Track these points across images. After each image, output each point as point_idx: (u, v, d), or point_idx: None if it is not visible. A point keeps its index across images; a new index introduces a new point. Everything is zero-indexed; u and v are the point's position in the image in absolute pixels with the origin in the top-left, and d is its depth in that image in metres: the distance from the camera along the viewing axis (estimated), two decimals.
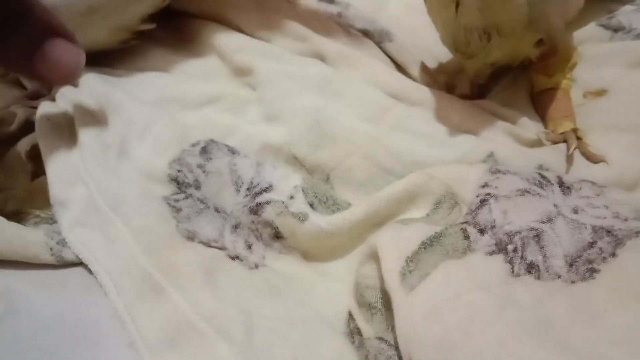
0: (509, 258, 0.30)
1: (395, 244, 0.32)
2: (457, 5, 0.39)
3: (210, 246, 0.35)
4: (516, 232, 0.31)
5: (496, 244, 0.31)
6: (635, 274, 0.28)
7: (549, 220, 0.31)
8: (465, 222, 0.33)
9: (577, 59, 0.46)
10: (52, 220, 0.39)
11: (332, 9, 0.51)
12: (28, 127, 0.43)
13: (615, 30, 0.52)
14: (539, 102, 0.45)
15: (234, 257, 0.35)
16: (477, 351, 0.27)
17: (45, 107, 0.41)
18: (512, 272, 0.30)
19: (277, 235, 0.37)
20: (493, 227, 0.32)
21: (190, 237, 0.35)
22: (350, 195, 0.40)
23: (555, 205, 0.32)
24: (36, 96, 0.45)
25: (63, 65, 0.28)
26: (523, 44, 0.41)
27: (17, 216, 0.40)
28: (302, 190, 0.37)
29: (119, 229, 0.35)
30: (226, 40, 0.48)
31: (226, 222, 0.37)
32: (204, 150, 0.39)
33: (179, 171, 0.38)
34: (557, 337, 0.26)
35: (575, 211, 0.32)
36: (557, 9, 0.41)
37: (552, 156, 0.41)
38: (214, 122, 0.42)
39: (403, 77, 0.46)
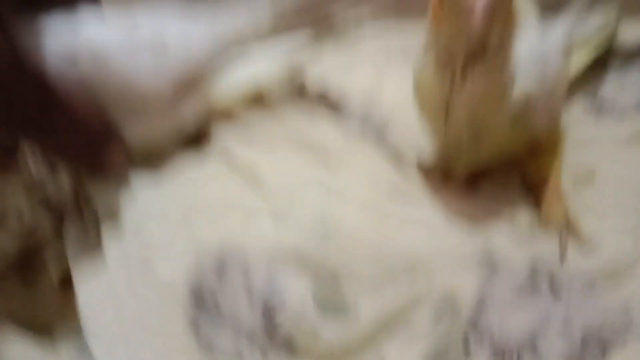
0: None
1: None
2: (447, 113, 0.42)
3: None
4: (513, 341, 0.33)
5: (494, 353, 0.33)
6: None
7: (543, 326, 0.34)
8: (466, 329, 0.35)
9: (564, 146, 0.49)
10: (81, 336, 0.41)
11: (334, 106, 0.55)
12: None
13: (600, 108, 0.55)
14: (532, 191, 0.48)
15: None
16: None
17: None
18: None
19: (291, 350, 0.39)
20: (491, 335, 0.34)
21: (210, 350, 0.38)
22: (358, 293, 0.43)
23: (546, 310, 0.35)
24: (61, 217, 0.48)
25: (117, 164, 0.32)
26: (510, 145, 0.44)
27: (47, 330, 0.43)
28: (313, 299, 0.40)
29: (144, 347, 0.38)
30: (236, 146, 0.51)
31: (242, 336, 0.40)
32: (220, 267, 0.42)
33: (197, 290, 0.41)
34: None
35: (566, 321, 0.34)
36: (542, 112, 0.44)
37: (547, 245, 0.43)
38: (227, 232, 0.45)
39: (401, 171, 0.49)
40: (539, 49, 0.45)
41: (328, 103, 0.56)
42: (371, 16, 0.60)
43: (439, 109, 0.43)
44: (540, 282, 0.37)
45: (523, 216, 0.46)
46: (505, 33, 0.39)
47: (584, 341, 0.32)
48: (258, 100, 0.55)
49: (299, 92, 0.56)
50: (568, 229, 0.45)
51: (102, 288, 0.41)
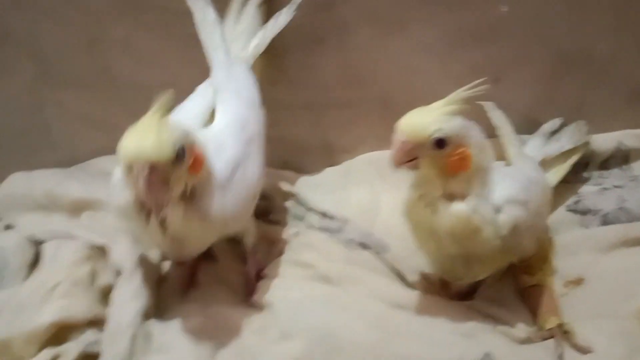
0: None
1: None
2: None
3: None
4: None
5: None
6: None
7: None
8: None
9: (553, 253, 0.53)
10: None
11: (333, 225, 0.59)
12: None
13: (584, 213, 0.59)
14: (526, 298, 0.51)
15: None
16: None
17: None
18: None
19: None
20: None
21: None
22: None
23: None
24: None
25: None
26: (502, 264, 0.48)
27: None
28: None
29: None
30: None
31: None
32: None
33: None
34: None
35: None
36: (529, 234, 0.47)
37: (544, 353, 0.46)
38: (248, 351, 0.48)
39: (401, 287, 0.53)
40: (519, 177, 0.49)
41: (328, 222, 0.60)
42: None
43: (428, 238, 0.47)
44: None
45: (520, 320, 0.49)
46: None
47: None
48: None
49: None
50: (563, 334, 0.48)
51: None
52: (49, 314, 0.50)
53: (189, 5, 0.56)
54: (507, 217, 0.45)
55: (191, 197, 0.45)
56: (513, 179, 0.48)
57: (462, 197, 0.44)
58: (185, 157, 0.43)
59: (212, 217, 0.46)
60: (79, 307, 0.51)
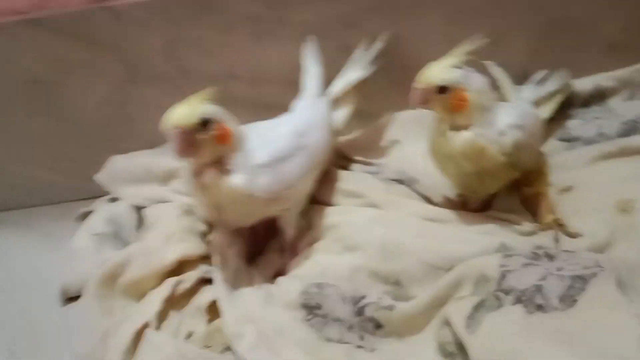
0: (525, 304, 0.51)
1: (458, 311, 0.53)
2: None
3: (342, 343, 0.56)
4: (526, 289, 0.52)
5: (516, 298, 0.52)
6: (598, 298, 0.48)
7: (544, 278, 0.52)
8: (496, 290, 0.53)
9: (548, 169, 0.68)
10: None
11: (373, 169, 0.74)
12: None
13: (570, 140, 0.74)
14: (528, 205, 0.66)
15: (359, 347, 0.56)
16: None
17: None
18: (528, 312, 0.50)
19: (378, 325, 0.57)
20: (512, 289, 0.52)
21: (329, 339, 0.56)
22: (415, 290, 0.60)
23: (546, 269, 0.53)
24: None
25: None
26: (509, 178, 0.63)
27: None
28: (386, 294, 0.58)
29: (285, 345, 0.55)
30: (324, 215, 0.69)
31: (343, 325, 0.57)
32: (319, 286, 0.60)
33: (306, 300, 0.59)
34: (562, 338, 0.47)
35: (559, 269, 0.52)
36: (529, 150, 0.62)
37: (545, 239, 0.61)
38: (317, 263, 0.64)
39: (431, 207, 0.68)
40: (517, 109, 0.64)
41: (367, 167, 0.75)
42: None
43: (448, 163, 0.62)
44: (540, 256, 0.55)
45: (525, 221, 0.64)
46: None
47: (571, 280, 0.51)
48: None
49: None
50: (559, 226, 0.63)
51: None
52: (172, 254, 0.66)
53: (302, 62, 0.72)
54: (509, 137, 0.59)
55: (223, 166, 0.57)
56: (512, 111, 0.62)
57: (467, 128, 0.59)
58: (211, 127, 0.55)
59: (239, 188, 0.57)
60: (192, 247, 0.67)
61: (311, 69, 0.72)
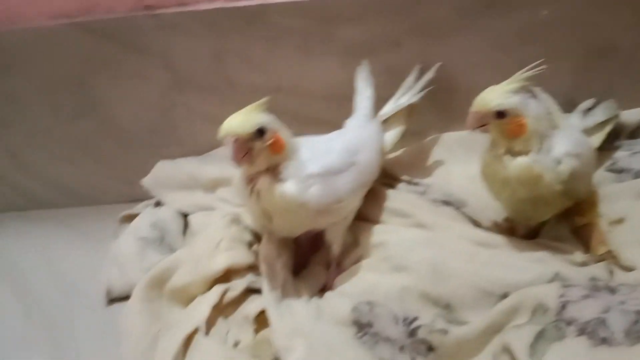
0: (590, 336, 0.50)
1: (519, 339, 0.52)
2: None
3: None
4: (589, 321, 0.51)
5: (579, 330, 0.51)
6: None
7: (606, 311, 0.51)
8: (556, 320, 0.53)
9: (598, 200, 0.68)
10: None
11: (419, 188, 0.74)
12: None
13: (619, 172, 0.74)
14: (580, 235, 0.66)
15: None
16: None
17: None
18: (594, 344, 0.50)
19: (430, 348, 0.56)
20: (574, 320, 0.52)
21: (381, 359, 0.56)
22: (466, 315, 0.59)
23: (608, 302, 0.52)
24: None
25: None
26: (562, 207, 0.63)
27: None
28: (437, 317, 0.57)
29: None
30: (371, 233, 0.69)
31: (394, 345, 0.57)
32: (370, 304, 0.60)
33: (357, 317, 0.59)
34: None
35: (622, 303, 0.52)
36: (584, 180, 0.62)
37: (599, 271, 0.60)
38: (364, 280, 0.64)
39: (481, 230, 0.68)
40: (572, 137, 0.63)
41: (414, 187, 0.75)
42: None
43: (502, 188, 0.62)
44: (600, 288, 0.55)
45: (577, 251, 0.63)
46: None
47: (637, 315, 0.50)
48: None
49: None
50: (612, 258, 0.62)
51: None
52: (221, 261, 0.66)
53: (352, 81, 0.73)
54: (566, 166, 0.59)
55: (276, 174, 0.58)
56: (568, 139, 0.62)
57: (524, 153, 0.59)
58: (265, 136, 0.56)
59: (291, 196, 0.58)
60: (240, 256, 0.67)
61: (363, 91, 0.73)
